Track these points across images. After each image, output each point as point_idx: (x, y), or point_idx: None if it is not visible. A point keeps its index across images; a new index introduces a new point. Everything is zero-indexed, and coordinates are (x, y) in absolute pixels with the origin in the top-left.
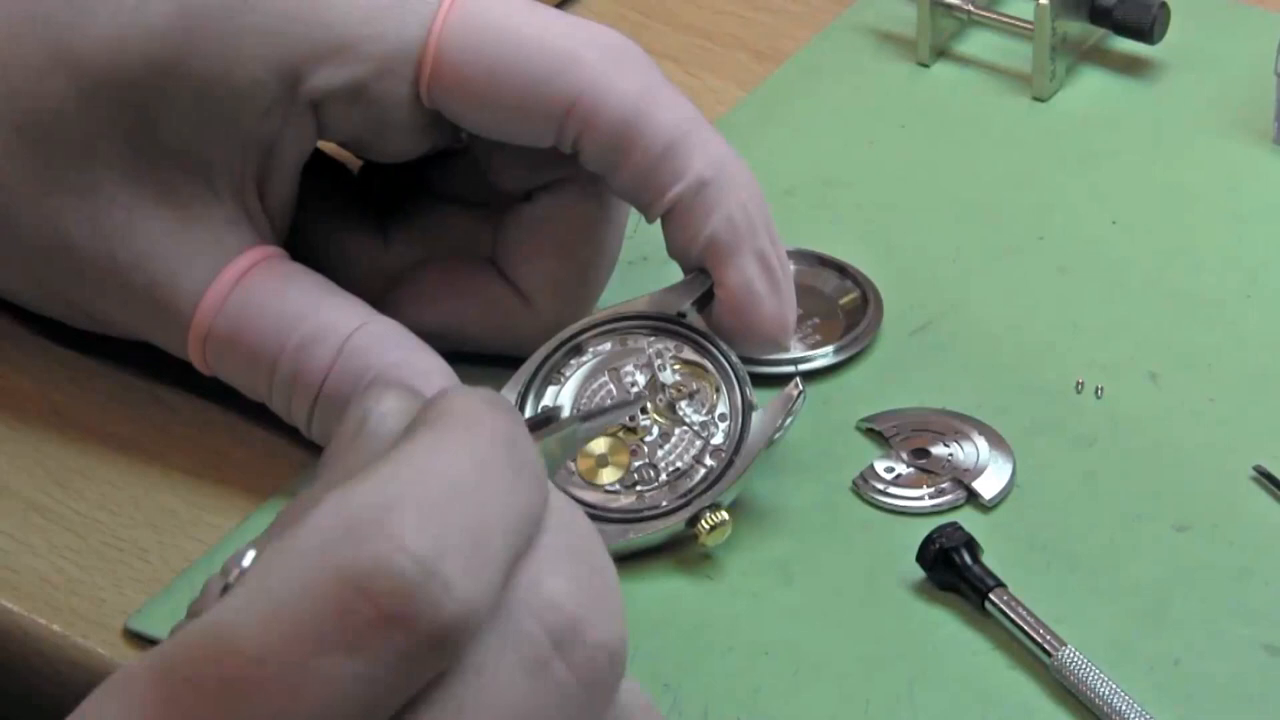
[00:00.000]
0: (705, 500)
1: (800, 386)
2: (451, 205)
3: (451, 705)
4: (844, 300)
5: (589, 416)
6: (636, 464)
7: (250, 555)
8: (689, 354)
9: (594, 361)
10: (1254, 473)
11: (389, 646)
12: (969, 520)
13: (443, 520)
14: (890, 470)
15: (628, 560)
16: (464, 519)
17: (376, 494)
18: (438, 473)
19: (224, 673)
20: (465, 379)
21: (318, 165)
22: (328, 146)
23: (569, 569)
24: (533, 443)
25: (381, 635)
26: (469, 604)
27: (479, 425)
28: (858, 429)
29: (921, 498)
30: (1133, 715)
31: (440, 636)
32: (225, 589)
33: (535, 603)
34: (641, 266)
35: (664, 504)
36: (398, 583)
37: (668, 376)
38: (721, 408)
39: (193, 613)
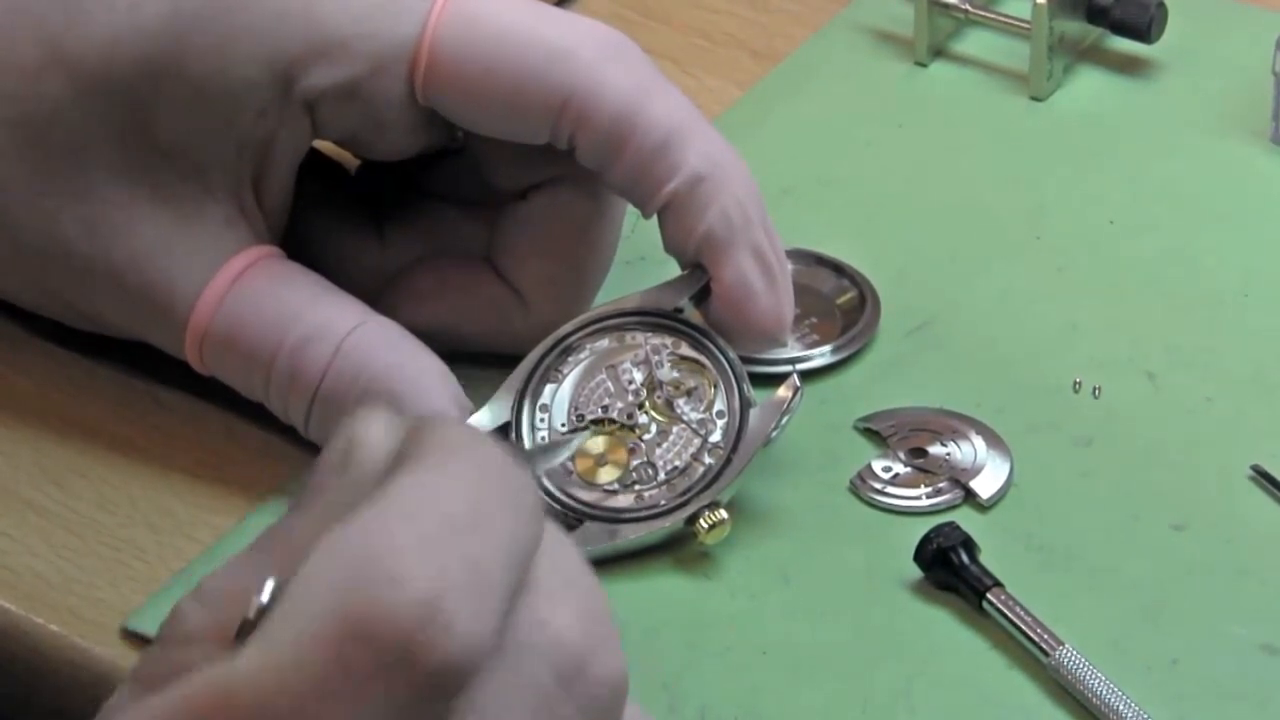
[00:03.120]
0: (704, 499)
1: (798, 383)
2: (448, 204)
3: None
4: (841, 300)
5: (545, 450)
6: (635, 462)
7: (268, 587)
8: (686, 350)
9: (591, 359)
10: (1251, 472)
11: (391, 693)
12: (966, 520)
13: (440, 558)
14: (888, 470)
15: (626, 559)
16: (462, 555)
17: (371, 535)
18: (432, 508)
19: None
20: (462, 378)
21: (314, 164)
22: (324, 145)
23: (570, 602)
24: (524, 472)
25: (383, 683)
26: (470, 641)
27: (469, 456)
28: (855, 429)
29: (919, 497)
30: (1130, 714)
31: (442, 678)
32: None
33: (540, 641)
34: (639, 266)
35: (662, 503)
36: (396, 628)
37: (665, 373)
38: (719, 405)
39: (163, 637)
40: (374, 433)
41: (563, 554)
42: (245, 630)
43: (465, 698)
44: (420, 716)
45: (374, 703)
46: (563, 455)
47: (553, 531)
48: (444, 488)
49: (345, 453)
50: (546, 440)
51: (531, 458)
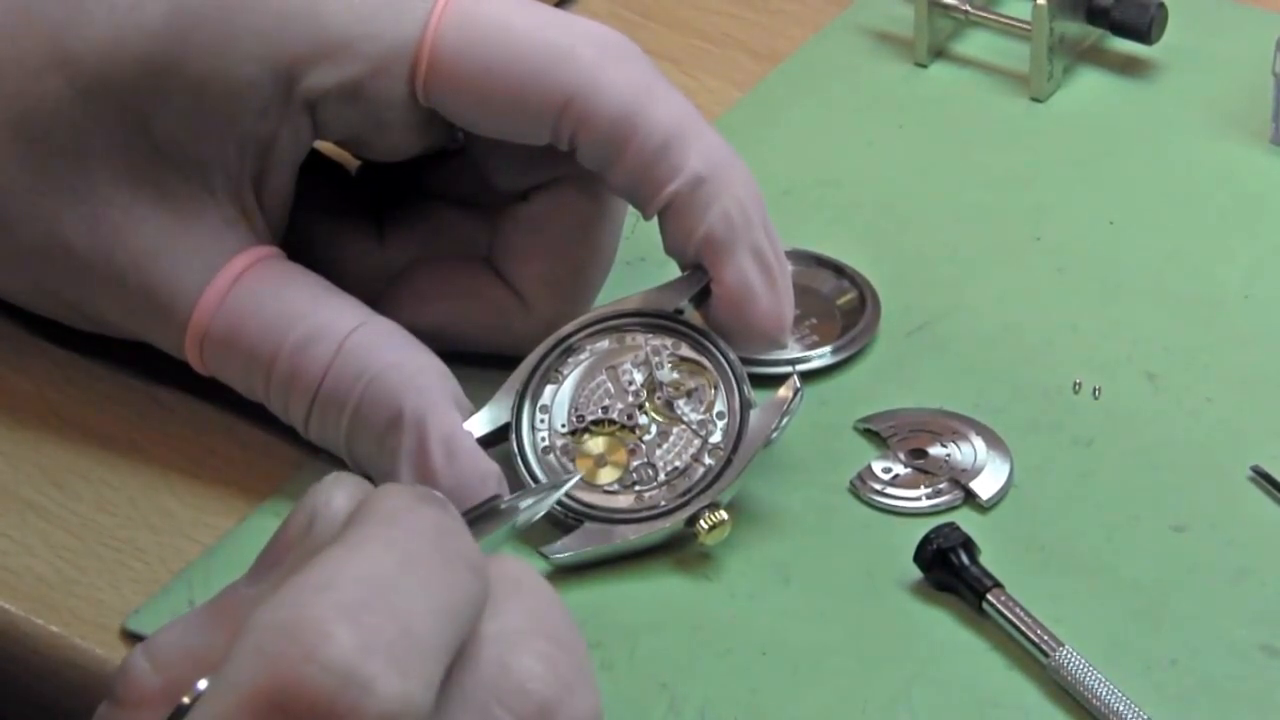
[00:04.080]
0: (704, 499)
1: (798, 384)
2: (448, 205)
3: None
4: (841, 300)
5: (528, 498)
6: (635, 463)
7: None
8: (686, 351)
9: (591, 360)
10: (1251, 473)
11: None
12: (966, 520)
13: (360, 622)
14: (888, 470)
15: (626, 560)
16: (385, 617)
17: (291, 609)
18: (356, 574)
19: None
20: (462, 379)
21: (315, 165)
22: (325, 146)
23: (535, 646)
24: (467, 531)
25: None
26: (398, 699)
27: (403, 521)
28: (855, 429)
29: (919, 498)
30: (1130, 715)
31: None
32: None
33: (503, 688)
34: (639, 266)
35: (663, 503)
36: (316, 696)
37: (665, 374)
38: (719, 406)
39: (117, 696)
40: (335, 502)
41: (535, 598)
42: (180, 714)
43: None
44: None
45: None
46: (542, 509)
47: (527, 577)
48: (368, 554)
49: (308, 522)
50: (546, 442)
51: (508, 515)
